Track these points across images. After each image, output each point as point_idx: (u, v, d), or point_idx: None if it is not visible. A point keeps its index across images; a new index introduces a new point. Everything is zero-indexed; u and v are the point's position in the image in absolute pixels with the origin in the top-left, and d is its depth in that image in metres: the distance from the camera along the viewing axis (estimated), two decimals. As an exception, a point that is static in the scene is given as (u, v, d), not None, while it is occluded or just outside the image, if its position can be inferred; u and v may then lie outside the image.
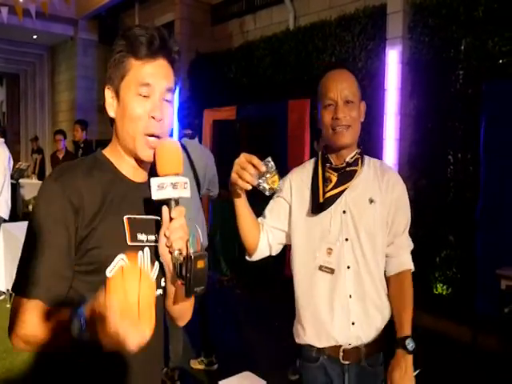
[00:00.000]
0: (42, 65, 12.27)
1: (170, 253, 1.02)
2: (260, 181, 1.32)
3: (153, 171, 1.15)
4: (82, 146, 6.00)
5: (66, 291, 1.00)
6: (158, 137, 1.05)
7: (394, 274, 1.58)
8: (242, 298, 5.12)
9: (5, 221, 4.93)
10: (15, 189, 7.28)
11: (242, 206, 1.49)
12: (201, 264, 0.98)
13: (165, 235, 1.02)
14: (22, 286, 0.98)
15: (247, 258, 1.64)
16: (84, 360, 0.98)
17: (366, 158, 1.61)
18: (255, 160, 1.30)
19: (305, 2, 5.98)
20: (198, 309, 3.25)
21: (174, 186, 1.00)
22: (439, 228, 4.19)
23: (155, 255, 1.09)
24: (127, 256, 0.99)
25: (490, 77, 3.85)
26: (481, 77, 3.91)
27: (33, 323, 0.94)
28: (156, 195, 0.99)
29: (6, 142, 5.20)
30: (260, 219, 1.63)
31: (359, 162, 1.56)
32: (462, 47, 4.06)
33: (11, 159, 5.25)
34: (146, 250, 1.08)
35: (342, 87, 1.50)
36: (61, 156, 6.54)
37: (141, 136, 1.04)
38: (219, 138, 6.45)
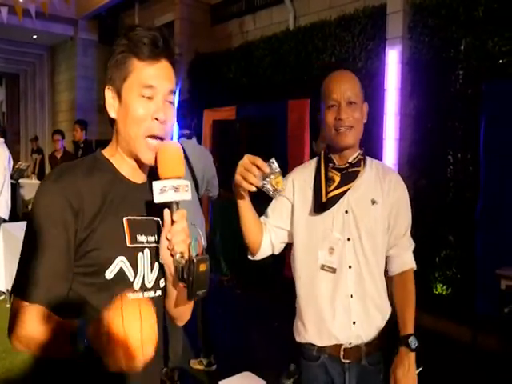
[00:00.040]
0: (42, 65, 12.27)
1: (172, 255, 1.02)
2: (264, 182, 1.32)
3: (152, 172, 1.15)
4: (81, 146, 6.00)
5: (65, 293, 0.99)
6: (160, 138, 1.05)
7: (397, 274, 1.62)
8: (242, 297, 5.12)
9: (5, 221, 4.94)
10: (15, 189, 7.28)
11: (245, 207, 1.49)
12: (203, 267, 0.98)
13: (167, 238, 1.02)
14: (22, 288, 0.97)
15: (250, 257, 1.65)
16: (83, 360, 0.98)
17: (368, 159, 1.63)
18: (259, 161, 1.30)
19: (305, 2, 5.98)
20: (197, 309, 3.26)
21: (176, 189, 1.00)
22: (439, 228, 4.19)
23: (155, 256, 1.09)
24: (122, 298, 0.86)
25: (490, 77, 3.85)
26: (481, 77, 3.91)
27: (33, 325, 0.94)
28: (158, 198, 0.99)
29: (5, 142, 5.20)
30: (262, 219, 1.64)
31: (362, 163, 1.57)
32: (462, 47, 4.06)
33: (11, 159, 5.24)
34: (146, 251, 1.08)
35: (345, 88, 1.51)
36: (59, 156, 6.55)
37: (143, 138, 1.04)
38: (219, 138, 6.45)
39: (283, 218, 1.63)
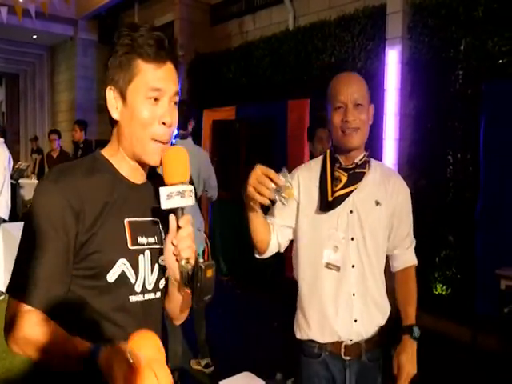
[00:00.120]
0: (42, 65, 12.26)
1: (177, 261, 1.01)
2: (277, 194, 1.31)
3: (152, 172, 1.15)
4: (81, 146, 6.00)
5: (64, 296, 0.98)
6: (165, 142, 1.05)
7: (399, 270, 1.71)
8: (242, 297, 5.12)
9: (4, 221, 4.93)
10: (15, 189, 7.27)
11: (256, 216, 1.50)
12: (210, 273, 0.98)
13: (172, 244, 1.01)
14: (20, 289, 0.95)
15: (257, 256, 1.67)
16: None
17: (372, 160, 1.66)
18: (272, 173, 1.29)
19: (304, 2, 5.98)
20: (195, 310, 3.26)
21: (182, 194, 1.00)
22: (439, 228, 4.19)
23: (155, 258, 1.09)
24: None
25: (490, 77, 3.85)
26: (480, 77, 3.90)
27: (31, 328, 0.93)
28: (165, 205, 0.99)
29: (5, 142, 5.20)
30: (269, 219, 1.65)
31: (367, 165, 1.61)
32: (462, 47, 4.05)
33: (11, 159, 5.24)
34: (147, 252, 1.07)
35: (352, 90, 1.54)
36: (55, 155, 6.55)
37: (150, 141, 1.03)
38: (219, 138, 6.45)
39: (289, 217, 1.65)
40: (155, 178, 1.15)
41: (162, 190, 0.99)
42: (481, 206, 3.89)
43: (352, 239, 1.57)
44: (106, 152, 1.10)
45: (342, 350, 1.57)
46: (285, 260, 4.16)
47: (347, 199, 1.56)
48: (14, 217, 5.57)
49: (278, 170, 1.33)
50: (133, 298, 1.05)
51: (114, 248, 1.01)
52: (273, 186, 1.29)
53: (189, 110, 3.34)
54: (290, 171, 1.70)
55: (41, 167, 10.08)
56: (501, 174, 3.76)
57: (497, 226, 3.78)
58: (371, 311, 1.59)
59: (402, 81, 4.41)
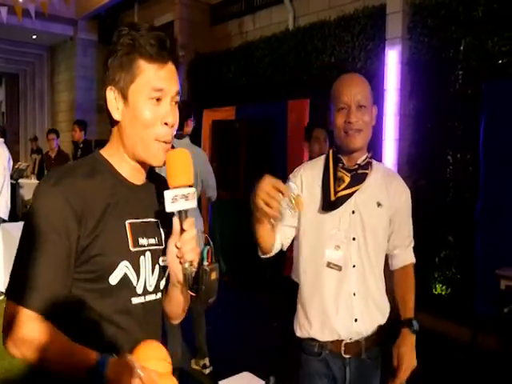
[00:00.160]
0: (42, 65, 12.26)
1: (181, 263, 1.01)
2: (286, 205, 1.30)
3: (151, 172, 1.14)
4: (80, 146, 6.00)
5: (64, 299, 0.97)
6: (167, 142, 1.05)
7: (398, 268, 1.74)
8: (242, 297, 5.12)
9: (4, 221, 4.93)
10: (15, 189, 7.27)
11: (264, 227, 1.49)
12: (214, 276, 0.99)
13: (176, 246, 1.01)
14: (19, 292, 0.94)
15: (261, 255, 1.67)
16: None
17: (374, 162, 1.67)
18: (281, 186, 1.27)
19: (304, 2, 5.98)
20: (194, 311, 3.25)
21: (186, 197, 1.00)
22: (438, 228, 4.19)
23: (156, 258, 1.09)
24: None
25: (490, 77, 3.85)
26: (480, 77, 3.91)
27: (28, 331, 0.92)
28: (170, 208, 0.99)
29: (5, 142, 5.19)
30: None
31: (369, 166, 1.62)
32: (462, 47, 4.06)
33: (11, 159, 5.24)
34: (147, 254, 1.07)
35: (355, 92, 1.54)
36: (53, 155, 6.54)
37: (153, 141, 1.02)
38: (218, 138, 6.44)
39: (292, 216, 1.65)
40: (155, 178, 1.15)
41: (167, 193, 0.98)
42: (480, 206, 3.90)
43: (353, 239, 1.58)
44: (105, 152, 1.08)
45: (342, 348, 1.59)
46: (284, 260, 4.16)
47: (349, 200, 1.57)
48: (13, 217, 5.58)
49: (278, 170, 1.33)
50: (134, 300, 1.05)
51: (115, 250, 1.01)
52: (281, 197, 1.27)
53: (187, 110, 3.33)
54: (290, 171, 1.72)
55: (40, 167, 10.08)
56: (501, 174, 3.76)
57: (497, 226, 3.78)
58: (371, 311, 1.61)
59: (402, 81, 4.41)
